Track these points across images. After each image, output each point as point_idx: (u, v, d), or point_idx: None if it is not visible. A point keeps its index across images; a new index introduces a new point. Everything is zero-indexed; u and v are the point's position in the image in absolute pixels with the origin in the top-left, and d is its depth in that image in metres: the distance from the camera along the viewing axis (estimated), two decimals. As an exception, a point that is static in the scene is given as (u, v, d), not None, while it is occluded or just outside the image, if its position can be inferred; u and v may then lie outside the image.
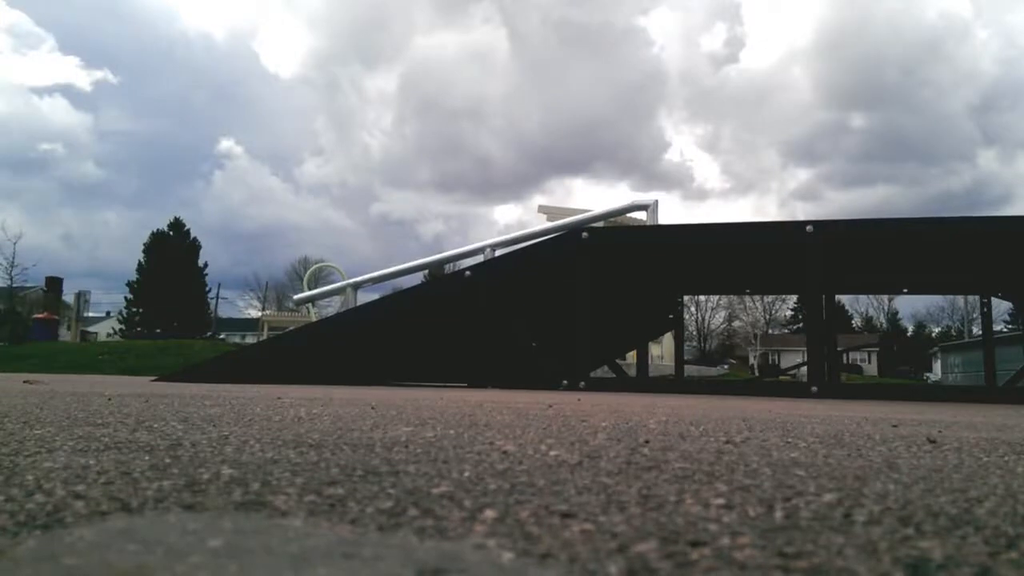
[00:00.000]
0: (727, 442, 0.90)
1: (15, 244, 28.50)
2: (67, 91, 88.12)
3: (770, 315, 56.20)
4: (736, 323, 56.09)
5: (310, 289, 6.39)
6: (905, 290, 5.96)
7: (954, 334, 48.68)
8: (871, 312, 59.52)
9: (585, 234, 4.71)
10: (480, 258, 5.89)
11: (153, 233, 41.34)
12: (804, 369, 6.21)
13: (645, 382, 5.33)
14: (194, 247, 42.80)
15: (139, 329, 38.66)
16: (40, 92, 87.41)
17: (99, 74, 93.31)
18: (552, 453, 0.74)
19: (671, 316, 6.23)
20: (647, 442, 0.87)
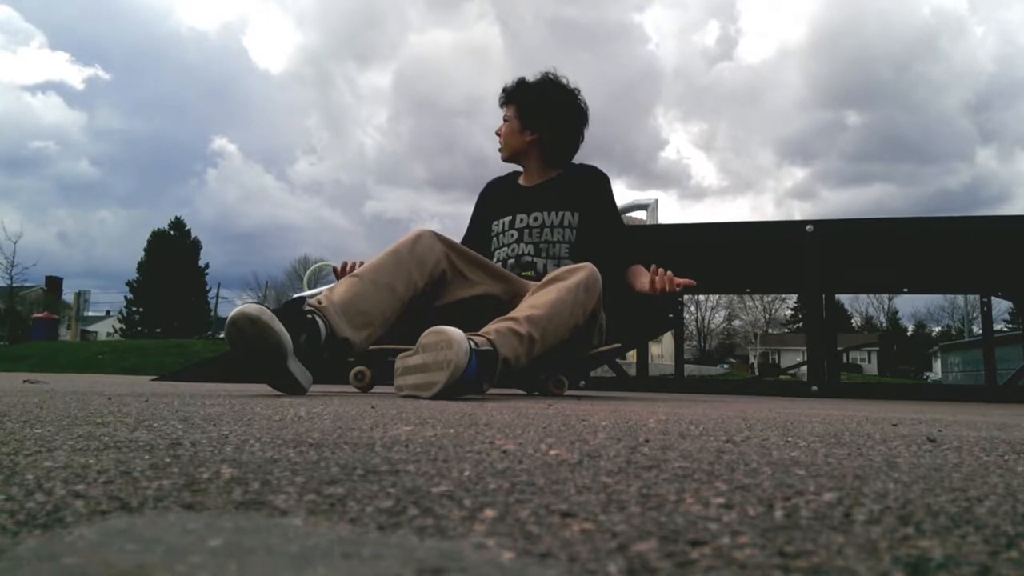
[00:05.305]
0: (727, 441, 0.90)
1: (15, 243, 28.52)
2: (59, 88, 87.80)
3: (770, 315, 56.21)
4: (736, 323, 56.11)
5: (310, 288, 6.35)
6: (905, 290, 5.96)
7: (954, 334, 48.69)
8: (871, 312, 59.51)
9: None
10: (480, 257, 5.87)
11: (154, 232, 41.40)
12: (804, 368, 6.20)
13: (645, 381, 5.32)
14: (195, 247, 42.84)
15: (139, 328, 38.71)
16: (32, 89, 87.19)
17: (90, 71, 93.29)
18: (552, 452, 0.74)
19: (671, 316, 6.23)
20: (647, 441, 0.86)
